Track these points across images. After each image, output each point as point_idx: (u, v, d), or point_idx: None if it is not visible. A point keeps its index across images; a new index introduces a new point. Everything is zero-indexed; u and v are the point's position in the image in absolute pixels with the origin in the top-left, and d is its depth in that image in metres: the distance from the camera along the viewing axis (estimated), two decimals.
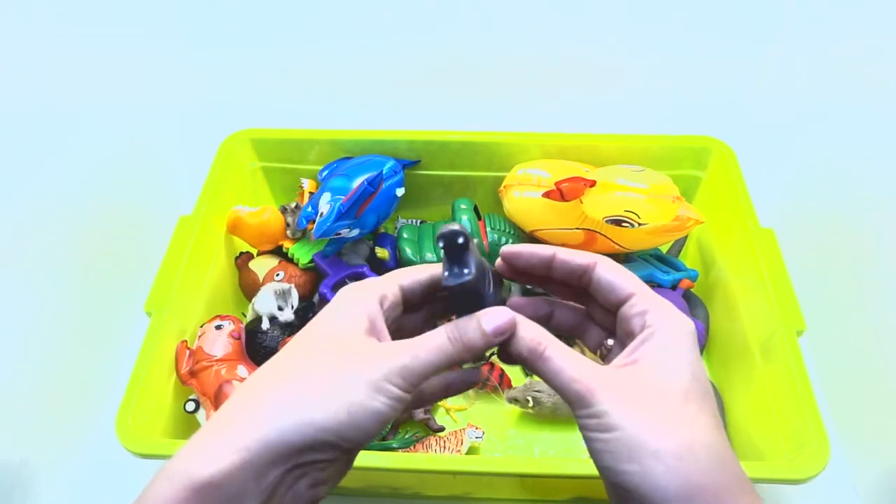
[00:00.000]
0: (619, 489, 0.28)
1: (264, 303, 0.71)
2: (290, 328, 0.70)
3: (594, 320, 0.36)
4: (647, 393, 0.28)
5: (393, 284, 0.33)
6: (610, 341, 0.34)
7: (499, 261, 0.35)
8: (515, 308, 0.36)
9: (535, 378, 0.69)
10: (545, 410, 0.68)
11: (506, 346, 0.31)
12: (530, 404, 0.68)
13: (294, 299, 0.71)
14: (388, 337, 0.31)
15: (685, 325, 0.30)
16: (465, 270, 0.30)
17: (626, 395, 0.28)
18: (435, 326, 0.32)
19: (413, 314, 0.36)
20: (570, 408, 0.30)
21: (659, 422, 0.27)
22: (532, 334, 0.31)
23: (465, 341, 0.30)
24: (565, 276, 0.34)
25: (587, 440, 0.29)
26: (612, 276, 0.32)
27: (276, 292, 0.71)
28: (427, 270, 0.34)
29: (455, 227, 0.29)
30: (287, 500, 0.28)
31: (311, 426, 0.27)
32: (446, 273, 0.30)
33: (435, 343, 0.30)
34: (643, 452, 0.26)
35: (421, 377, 0.29)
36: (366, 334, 0.30)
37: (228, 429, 0.28)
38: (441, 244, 0.29)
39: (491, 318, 0.31)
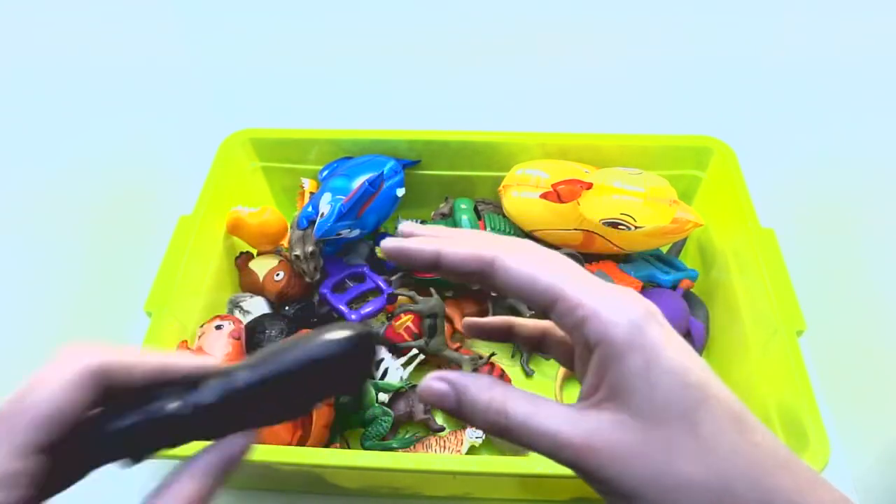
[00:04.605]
0: None
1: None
2: (289, 329, 0.70)
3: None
4: (643, 437, 0.22)
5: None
6: None
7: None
8: (470, 329, 0.31)
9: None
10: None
11: (462, 419, 0.25)
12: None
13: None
14: None
15: (637, 312, 0.23)
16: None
17: (623, 453, 0.22)
18: None
19: None
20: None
21: (674, 470, 0.22)
22: (487, 393, 0.24)
23: None
24: (463, 280, 0.27)
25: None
26: (521, 272, 0.24)
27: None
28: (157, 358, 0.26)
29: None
30: None
31: None
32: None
33: None
34: None
35: None
36: None
37: None
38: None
39: None
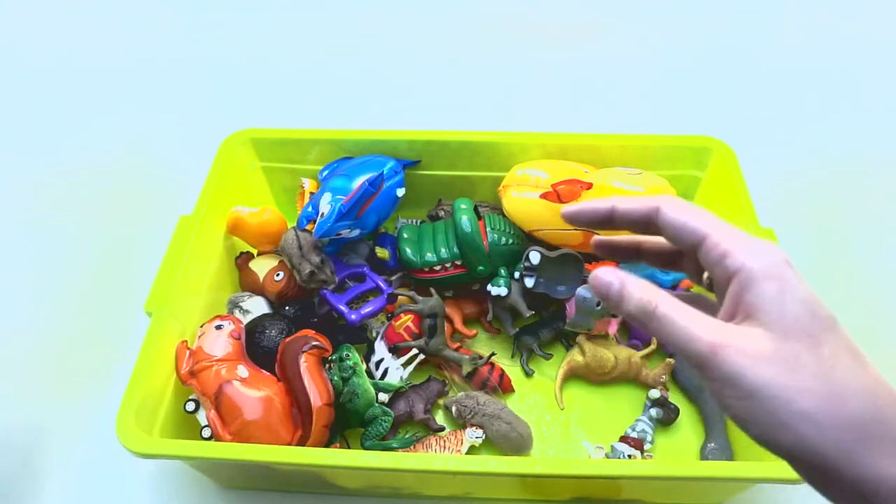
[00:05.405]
0: (777, 452, 0.26)
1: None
2: (289, 329, 0.70)
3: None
4: (771, 346, 0.26)
5: None
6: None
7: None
8: (598, 245, 0.36)
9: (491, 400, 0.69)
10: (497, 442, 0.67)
11: (617, 307, 0.29)
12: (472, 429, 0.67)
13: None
14: None
15: (775, 258, 0.27)
16: None
17: (751, 353, 0.26)
18: None
19: None
20: (696, 371, 0.28)
21: (795, 376, 0.25)
22: (640, 293, 0.29)
23: None
24: (632, 228, 0.33)
25: (724, 407, 0.27)
26: (677, 218, 0.30)
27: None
28: None
29: None
30: None
31: None
32: None
33: None
34: (790, 414, 0.25)
35: None
36: None
37: None
38: None
39: None
